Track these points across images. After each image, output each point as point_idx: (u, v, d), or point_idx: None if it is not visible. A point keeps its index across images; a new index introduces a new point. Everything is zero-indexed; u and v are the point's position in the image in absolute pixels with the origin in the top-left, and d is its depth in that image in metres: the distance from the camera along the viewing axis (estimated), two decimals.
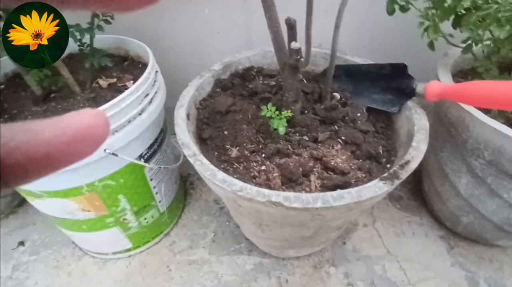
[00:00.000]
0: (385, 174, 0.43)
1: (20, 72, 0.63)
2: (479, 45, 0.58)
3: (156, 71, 0.64)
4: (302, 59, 0.47)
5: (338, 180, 0.47)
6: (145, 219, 0.70)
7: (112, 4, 0.10)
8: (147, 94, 0.58)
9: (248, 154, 0.53)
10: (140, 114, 0.56)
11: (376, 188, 0.41)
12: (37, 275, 0.74)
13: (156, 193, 0.69)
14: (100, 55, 0.64)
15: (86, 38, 0.63)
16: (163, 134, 0.68)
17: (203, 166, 0.45)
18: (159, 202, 0.71)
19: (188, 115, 0.56)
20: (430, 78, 0.56)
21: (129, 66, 0.71)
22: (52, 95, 0.64)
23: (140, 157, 0.60)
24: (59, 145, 0.10)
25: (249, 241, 0.78)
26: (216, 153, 0.55)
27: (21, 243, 0.81)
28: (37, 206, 0.62)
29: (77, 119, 0.10)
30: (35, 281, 0.73)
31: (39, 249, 0.79)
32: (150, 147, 0.62)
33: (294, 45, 0.45)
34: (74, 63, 0.71)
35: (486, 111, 0.56)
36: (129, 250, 0.74)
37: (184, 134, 0.51)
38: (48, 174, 0.10)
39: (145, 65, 0.70)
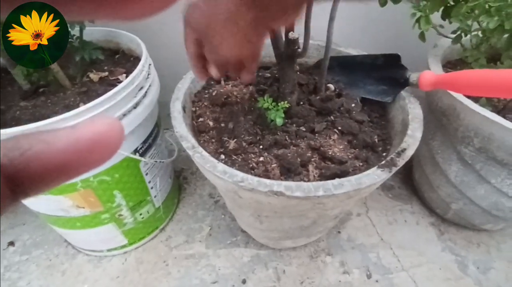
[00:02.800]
0: (383, 162, 0.44)
1: (6, 67, 0.61)
2: (468, 35, 0.60)
3: (150, 64, 0.63)
4: (299, 50, 0.47)
5: (336, 169, 0.48)
6: (141, 214, 0.69)
7: (121, 13, 0.10)
8: (142, 87, 0.57)
9: (246, 146, 0.53)
10: (135, 107, 0.55)
11: (375, 175, 0.42)
12: (29, 275, 0.72)
13: (152, 188, 0.68)
14: (91, 48, 0.62)
15: (75, 31, 0.61)
16: (157, 128, 0.67)
17: (202, 158, 0.45)
18: (155, 197, 0.71)
19: (184, 108, 0.56)
20: (420, 69, 0.57)
21: (121, 59, 0.70)
22: (41, 90, 0.62)
23: (135, 151, 0.59)
24: (73, 154, 0.10)
25: (245, 234, 0.78)
26: (213, 146, 0.55)
27: (11, 243, 0.78)
28: (30, 204, 0.61)
29: (91, 128, 0.10)
30: (28, 281, 0.71)
31: (30, 249, 0.77)
32: (145, 141, 0.61)
33: (291, 35, 0.45)
34: (63, 57, 0.69)
35: (475, 100, 0.58)
36: (124, 246, 0.73)
37: (181, 127, 0.50)
38: (63, 182, 0.10)
39: (137, 59, 0.69)
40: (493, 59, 0.69)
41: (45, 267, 0.74)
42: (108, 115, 0.50)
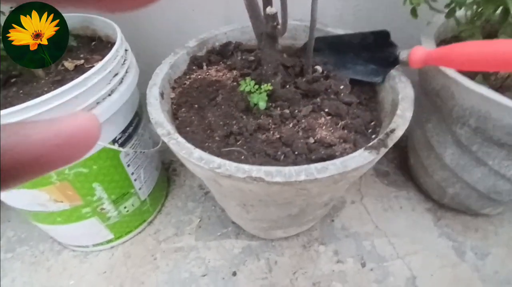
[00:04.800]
0: (370, 143, 0.42)
1: None
2: (462, 9, 0.56)
3: (126, 50, 0.59)
4: (279, 26, 0.44)
5: (322, 153, 0.45)
6: (125, 207, 0.67)
7: (114, 4, 0.10)
8: (117, 74, 0.54)
9: (229, 132, 0.50)
10: (110, 95, 0.52)
11: (362, 158, 0.40)
12: (13, 273, 0.70)
13: (135, 180, 0.66)
14: None
15: None
16: (139, 117, 0.64)
17: (178, 145, 0.42)
18: (139, 189, 0.68)
19: (162, 94, 0.53)
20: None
21: (97, 46, 0.66)
22: (13, 80, 0.58)
23: (114, 141, 0.57)
24: (50, 147, 0.10)
25: (236, 225, 0.76)
26: (199, 135, 0.52)
27: None
28: (6, 200, 0.58)
29: (70, 122, 0.10)
30: (11, 278, 0.69)
31: (14, 246, 0.75)
32: (124, 131, 0.58)
33: (269, 10, 0.42)
34: None
35: (471, 78, 0.55)
36: (110, 241, 0.71)
37: (157, 113, 0.47)
38: (38, 176, 0.10)
39: (114, 45, 0.65)
40: (490, 36, 0.66)
41: (29, 264, 0.71)
42: (80, 102, 0.48)
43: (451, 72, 0.55)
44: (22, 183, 0.10)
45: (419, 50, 0.49)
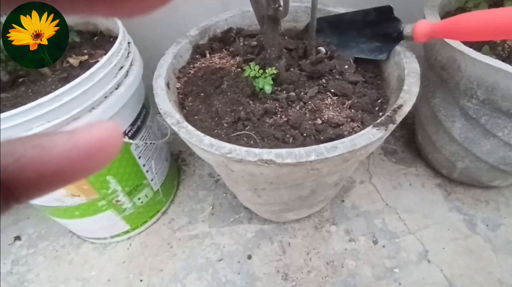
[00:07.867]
0: (378, 120, 0.42)
1: None
2: None
3: (129, 43, 0.60)
4: (280, 8, 0.44)
5: (331, 134, 0.46)
6: (139, 199, 0.68)
7: (122, 8, 0.09)
8: (122, 67, 0.54)
9: (237, 118, 0.51)
10: (116, 88, 0.53)
11: (370, 135, 0.40)
12: (37, 267, 0.73)
13: (147, 171, 0.67)
14: None
15: None
16: (146, 110, 0.65)
17: (188, 133, 0.43)
18: (151, 180, 0.70)
19: (168, 85, 0.53)
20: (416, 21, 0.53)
21: (100, 41, 0.66)
22: (21, 80, 0.59)
23: (124, 134, 0.58)
24: (71, 160, 0.10)
25: (248, 210, 0.77)
26: (207, 122, 0.53)
27: (17, 238, 0.79)
28: None
29: (90, 134, 0.10)
30: (36, 273, 0.72)
31: (36, 242, 0.78)
32: (133, 124, 0.59)
33: None
34: None
35: (477, 49, 0.54)
36: (127, 232, 0.73)
37: (165, 103, 0.48)
38: (59, 188, 0.10)
39: (117, 39, 0.65)
40: (496, 6, 0.64)
41: (52, 258, 0.74)
42: (88, 97, 0.48)
43: (457, 44, 0.54)
44: (40, 196, 0.10)
45: (423, 24, 0.49)
